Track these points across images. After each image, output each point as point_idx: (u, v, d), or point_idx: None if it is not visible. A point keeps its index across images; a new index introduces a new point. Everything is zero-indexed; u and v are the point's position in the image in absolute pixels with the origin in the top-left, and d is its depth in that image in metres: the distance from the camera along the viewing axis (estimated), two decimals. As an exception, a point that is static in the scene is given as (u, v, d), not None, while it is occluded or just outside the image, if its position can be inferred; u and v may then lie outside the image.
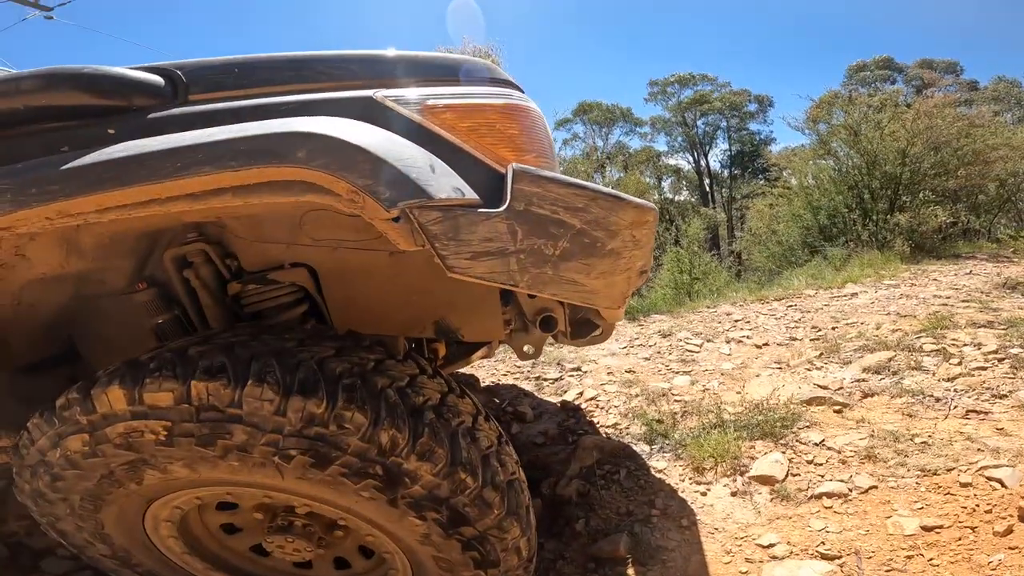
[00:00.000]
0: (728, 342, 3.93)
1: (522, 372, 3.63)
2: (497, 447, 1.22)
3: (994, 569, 1.50)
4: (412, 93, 1.03)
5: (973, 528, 1.65)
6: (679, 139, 32.10)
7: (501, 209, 0.91)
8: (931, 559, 1.57)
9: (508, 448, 1.29)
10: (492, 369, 3.73)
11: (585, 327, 1.82)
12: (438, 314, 1.47)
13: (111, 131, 0.92)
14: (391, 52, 1.12)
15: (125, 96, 0.95)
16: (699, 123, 31.64)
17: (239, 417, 0.99)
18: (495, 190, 0.95)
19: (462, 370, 3.70)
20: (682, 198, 32.19)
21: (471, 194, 0.93)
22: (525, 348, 1.75)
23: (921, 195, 9.88)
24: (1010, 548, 1.55)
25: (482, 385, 3.45)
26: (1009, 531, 1.60)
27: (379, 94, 1.00)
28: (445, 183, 0.91)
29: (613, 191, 0.97)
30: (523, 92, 1.27)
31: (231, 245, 1.28)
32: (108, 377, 1.04)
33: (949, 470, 1.91)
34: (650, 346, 4.02)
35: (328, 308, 1.42)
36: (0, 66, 2.25)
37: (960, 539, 1.62)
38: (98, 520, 1.24)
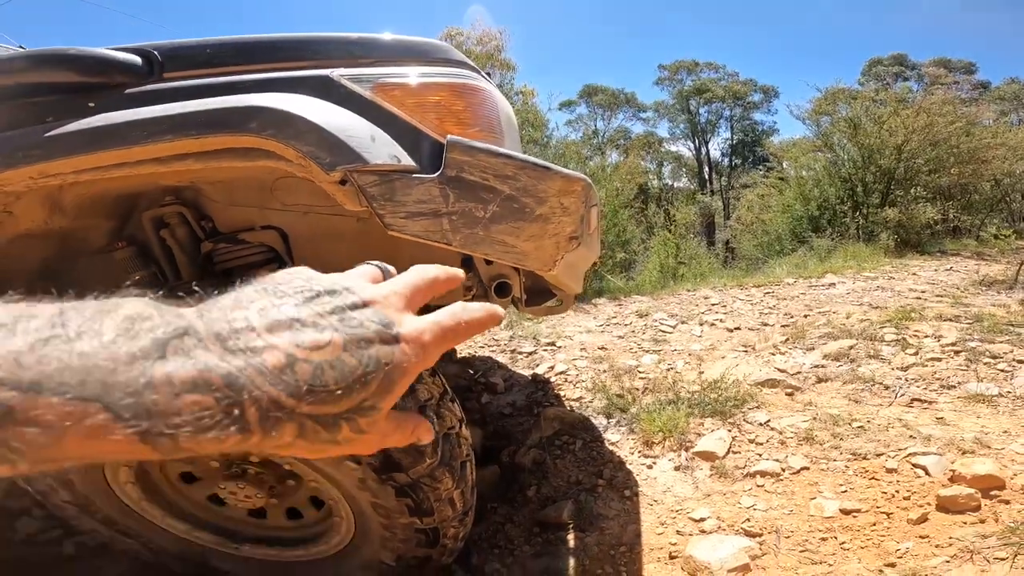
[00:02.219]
0: (702, 324, 4.03)
1: (498, 345, 3.72)
2: (438, 401, 1.31)
3: (900, 557, 1.54)
4: (367, 72, 1.10)
5: (889, 514, 1.71)
6: (681, 126, 31.93)
7: (434, 176, 1.00)
8: (843, 542, 1.63)
9: (452, 405, 1.38)
10: (470, 341, 3.82)
11: (541, 295, 1.90)
12: None
13: (91, 104, 1.00)
14: (354, 35, 1.18)
15: (105, 74, 1.02)
16: (702, 111, 31.47)
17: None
18: (436, 159, 1.03)
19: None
20: (681, 184, 32.13)
21: (407, 160, 1.02)
22: (486, 315, 1.83)
23: (913, 191, 9.91)
24: (920, 537, 1.60)
25: (458, 356, 3.54)
26: (923, 519, 1.66)
27: (335, 73, 1.07)
28: (383, 150, 1.00)
29: (542, 162, 1.06)
30: (479, 73, 1.33)
31: (206, 208, 1.35)
32: None
33: (878, 455, 1.99)
34: (626, 325, 4.11)
35: None
36: (2, 43, 2.29)
37: (875, 524, 1.68)
38: None
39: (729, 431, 2.22)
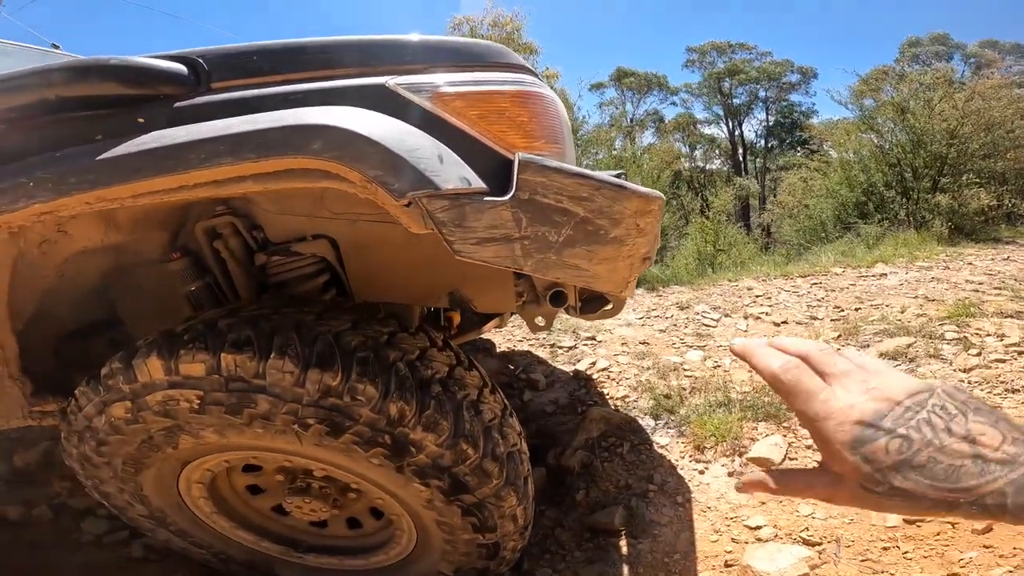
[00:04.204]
0: (746, 318, 3.93)
1: (537, 339, 3.69)
2: (500, 419, 1.30)
3: (963, 566, 1.51)
4: (424, 80, 1.04)
5: (953, 523, 1.65)
6: (714, 107, 31.08)
7: (506, 198, 0.94)
8: (906, 552, 1.58)
9: (511, 420, 1.37)
10: (508, 335, 3.81)
11: (596, 302, 1.86)
12: (452, 285, 1.52)
13: (141, 120, 0.97)
14: (404, 37, 1.13)
15: (150, 85, 0.99)
16: (737, 91, 30.51)
17: (263, 388, 1.08)
18: (503, 177, 0.98)
19: (480, 336, 3.81)
20: (714, 167, 31.35)
21: (478, 183, 0.96)
22: (537, 320, 1.80)
23: (965, 176, 9.47)
24: (985, 547, 1.56)
25: (497, 351, 3.53)
26: (988, 529, 1.61)
27: (391, 81, 1.02)
28: (452, 173, 0.94)
29: (618, 180, 0.99)
30: (536, 76, 1.28)
31: (257, 217, 1.35)
32: (147, 348, 1.11)
33: (947, 463, 1.92)
34: (667, 318, 4.04)
35: (348, 278, 1.49)
36: (34, 43, 2.33)
37: (939, 534, 1.63)
38: (138, 483, 1.33)
39: (784, 436, 2.16)
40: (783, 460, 2.03)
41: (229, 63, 1.04)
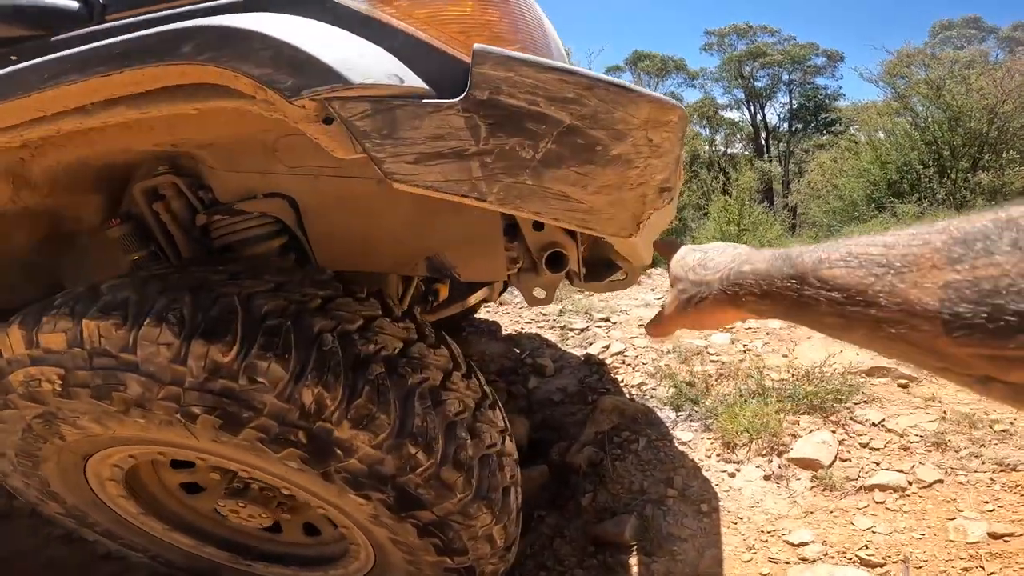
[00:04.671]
0: (776, 301, 3.56)
1: (547, 320, 3.39)
2: (473, 413, 1.00)
3: None
4: None
5: None
6: (735, 91, 30.34)
7: (456, 99, 0.67)
8: (992, 573, 1.30)
9: (491, 414, 1.07)
10: (516, 316, 3.51)
11: (604, 269, 1.58)
12: (431, 250, 1.28)
13: (13, 57, 0.85)
14: None
15: (32, 24, 0.88)
16: (758, 75, 29.74)
17: (134, 365, 0.80)
18: (459, 84, 0.71)
19: (486, 316, 3.52)
20: (735, 150, 30.69)
21: (414, 81, 0.69)
22: (535, 291, 1.51)
23: (1006, 154, 9.11)
24: None
25: (503, 333, 3.24)
26: None
27: None
28: (375, 67, 0.68)
29: (620, 80, 0.70)
30: None
31: (205, 176, 1.16)
32: (15, 317, 0.92)
33: (1034, 466, 1.58)
34: (688, 300, 3.70)
35: (309, 242, 1.26)
36: None
37: None
38: (41, 477, 1.15)
39: (833, 432, 1.82)
40: (833, 461, 1.70)
41: None
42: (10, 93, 0.79)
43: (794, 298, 0.40)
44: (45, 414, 0.94)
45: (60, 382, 0.86)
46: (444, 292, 1.90)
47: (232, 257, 1.18)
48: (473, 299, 1.90)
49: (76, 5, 0.88)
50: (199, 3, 0.83)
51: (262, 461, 0.87)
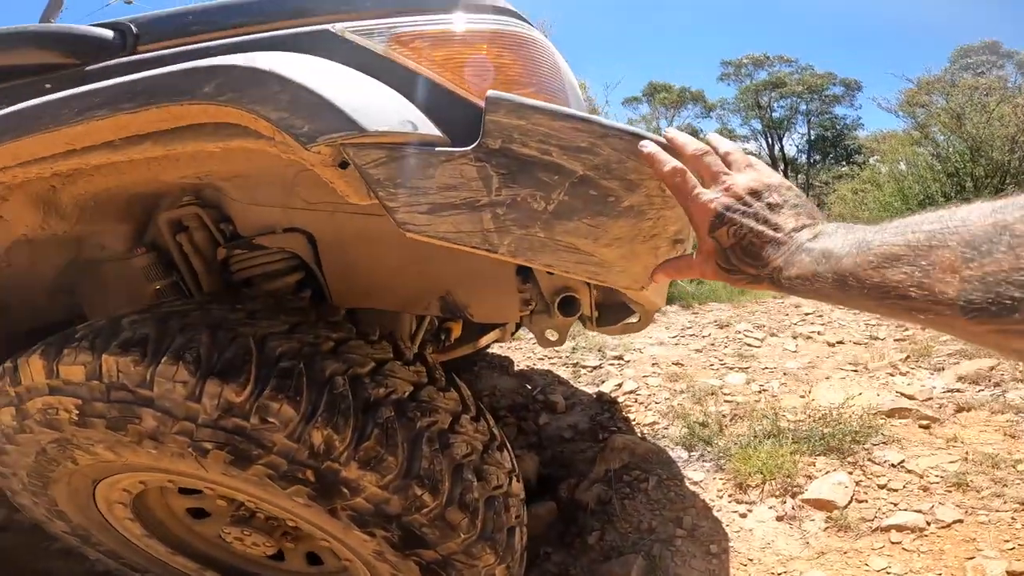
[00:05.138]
0: (795, 337, 3.52)
1: (560, 357, 3.39)
2: (480, 455, 1.01)
3: None
4: (378, 23, 0.84)
5: None
6: (752, 122, 30.28)
7: (468, 148, 0.68)
8: None
9: (500, 455, 1.08)
10: (529, 352, 3.51)
11: (617, 312, 1.58)
12: (444, 289, 1.30)
13: (48, 86, 0.87)
14: None
15: (68, 52, 0.90)
16: (776, 106, 29.67)
17: (150, 400, 0.83)
18: (473, 130, 0.72)
19: (498, 352, 3.53)
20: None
21: (428, 128, 0.71)
22: (547, 333, 1.52)
23: None
24: None
25: (515, 369, 3.24)
26: None
27: (338, 27, 0.82)
28: (390, 114, 0.69)
29: (633, 128, 0.71)
30: (526, 21, 1.03)
31: (227, 208, 1.19)
32: (38, 347, 0.95)
33: (1058, 507, 1.53)
34: (704, 336, 3.67)
35: (325, 279, 1.29)
36: None
37: None
38: (50, 497, 1.17)
39: (850, 473, 1.78)
40: (849, 502, 1.66)
41: (161, 25, 0.93)
42: (41, 126, 0.81)
43: (832, 291, 0.49)
44: (60, 440, 0.97)
45: (77, 412, 0.89)
46: (457, 331, 1.92)
47: (250, 294, 1.21)
48: (485, 340, 1.91)
49: (111, 35, 0.91)
50: (228, 38, 0.88)
51: (270, 495, 0.89)
